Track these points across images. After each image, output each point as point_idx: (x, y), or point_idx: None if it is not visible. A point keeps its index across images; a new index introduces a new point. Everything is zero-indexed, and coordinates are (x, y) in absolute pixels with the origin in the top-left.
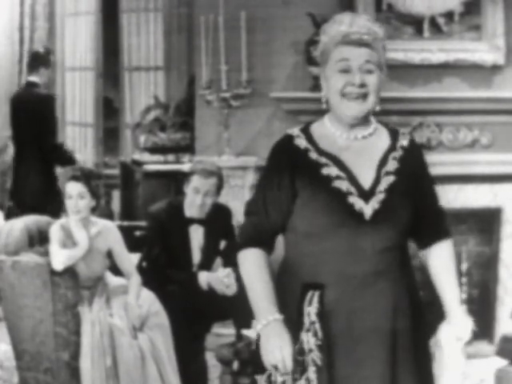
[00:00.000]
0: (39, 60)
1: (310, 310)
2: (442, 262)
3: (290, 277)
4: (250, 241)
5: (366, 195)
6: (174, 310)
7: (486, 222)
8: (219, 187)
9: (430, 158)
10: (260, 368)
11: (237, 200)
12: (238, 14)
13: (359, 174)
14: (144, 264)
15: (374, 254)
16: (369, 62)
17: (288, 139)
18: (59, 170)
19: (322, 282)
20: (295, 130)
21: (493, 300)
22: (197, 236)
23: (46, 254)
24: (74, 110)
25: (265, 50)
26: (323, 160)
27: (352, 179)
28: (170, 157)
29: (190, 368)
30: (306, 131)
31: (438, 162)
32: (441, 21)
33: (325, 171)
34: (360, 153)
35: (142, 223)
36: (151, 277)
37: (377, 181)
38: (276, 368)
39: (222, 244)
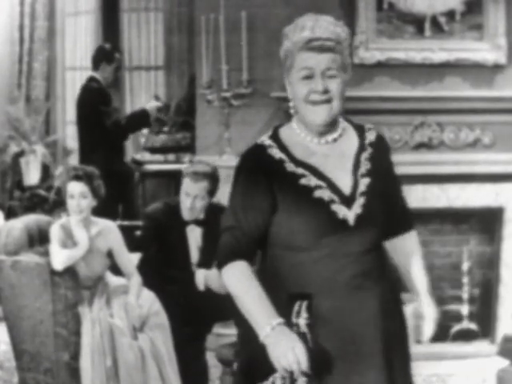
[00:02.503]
0: (102, 56)
1: (299, 322)
2: (408, 252)
3: (274, 290)
4: (232, 254)
5: (348, 201)
6: (173, 310)
7: (487, 221)
8: (211, 190)
9: (432, 157)
10: (260, 376)
11: None
12: (239, 14)
13: (337, 180)
14: (144, 264)
15: (359, 255)
16: (331, 69)
17: (260, 150)
18: (59, 170)
19: (309, 292)
20: (265, 139)
21: (494, 300)
22: (194, 236)
23: (46, 253)
24: (75, 109)
25: (265, 50)
26: (300, 170)
27: (332, 187)
28: (171, 156)
29: (191, 368)
30: (276, 139)
31: (440, 162)
32: (442, 20)
33: (303, 182)
34: (333, 157)
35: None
36: (150, 277)
37: (355, 185)
38: (291, 373)
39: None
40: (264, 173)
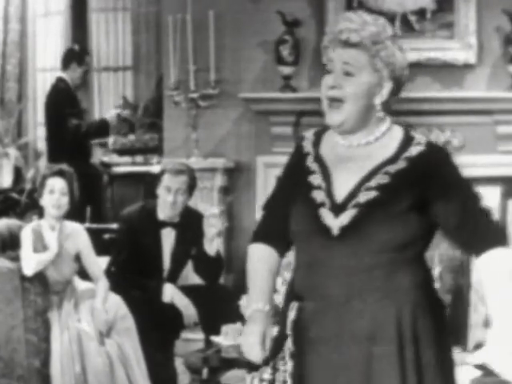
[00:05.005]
0: (72, 57)
1: (288, 321)
2: (484, 275)
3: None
4: (257, 236)
5: (337, 209)
6: (139, 316)
7: None
8: (191, 186)
9: None
10: (253, 366)
11: (205, 202)
12: (207, 14)
13: (338, 185)
14: (112, 268)
15: (345, 273)
16: (349, 65)
17: (298, 141)
18: (30, 172)
19: (303, 294)
20: (310, 132)
21: (466, 306)
22: (169, 240)
23: (17, 258)
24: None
25: (233, 50)
26: (314, 167)
27: (329, 190)
28: (139, 158)
29: (159, 375)
30: (318, 134)
31: None
32: (413, 18)
33: (310, 179)
34: (352, 161)
35: (111, 226)
36: (117, 281)
37: (352, 195)
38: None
39: (194, 250)
40: (293, 164)
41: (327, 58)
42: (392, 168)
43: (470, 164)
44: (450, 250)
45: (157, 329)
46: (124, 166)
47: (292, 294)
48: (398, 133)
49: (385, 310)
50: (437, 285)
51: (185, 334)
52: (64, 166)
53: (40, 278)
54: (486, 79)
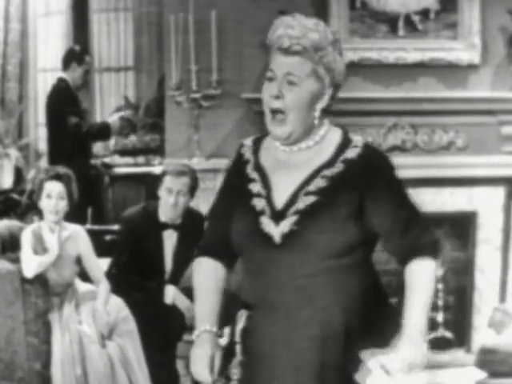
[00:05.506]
0: (73, 57)
1: (237, 329)
2: (410, 284)
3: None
4: (204, 250)
5: (277, 217)
6: (141, 318)
7: (461, 226)
8: (192, 187)
9: (405, 160)
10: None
11: (208, 203)
12: (209, 14)
13: (279, 192)
14: (113, 270)
15: (291, 281)
16: (291, 74)
17: (238, 148)
18: (31, 173)
19: (251, 302)
20: (248, 139)
21: (469, 307)
22: (171, 242)
23: (17, 260)
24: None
25: (235, 50)
26: (254, 175)
27: (269, 197)
28: (140, 159)
29: (161, 377)
30: (257, 141)
31: (413, 165)
32: (416, 19)
33: (250, 187)
34: (291, 167)
35: (112, 227)
36: (118, 283)
37: (292, 201)
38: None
39: (195, 252)
40: (233, 173)
41: (270, 65)
42: (330, 171)
43: (473, 164)
44: (453, 252)
45: (158, 331)
46: (125, 166)
47: (240, 302)
48: (336, 136)
49: (333, 316)
50: (439, 286)
51: (187, 336)
52: (61, 169)
53: (40, 279)
54: (490, 80)
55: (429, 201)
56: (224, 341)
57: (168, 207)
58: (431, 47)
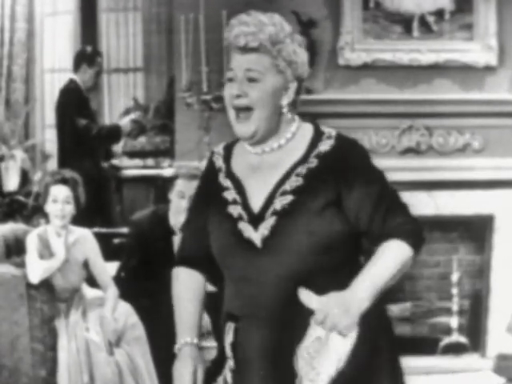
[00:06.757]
0: (84, 58)
1: (226, 345)
2: (375, 256)
3: (223, 305)
4: (181, 260)
5: (255, 220)
6: (150, 324)
7: (477, 229)
8: None
9: (420, 162)
10: None
11: None
12: (220, 13)
13: (252, 196)
14: (122, 274)
15: (276, 284)
16: (251, 71)
17: (209, 156)
18: (38, 175)
19: (236, 314)
20: (219, 147)
21: (485, 311)
22: None
23: (22, 264)
24: (53, 112)
25: None
26: (227, 182)
27: (245, 203)
28: (150, 161)
29: (170, 382)
30: (228, 148)
31: (428, 167)
32: (431, 19)
33: (225, 194)
34: (263, 169)
35: (121, 230)
36: (126, 287)
37: (268, 203)
38: None
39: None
40: (205, 182)
41: (229, 65)
42: (304, 168)
43: (490, 167)
44: (469, 255)
45: (168, 337)
46: (134, 168)
47: (224, 315)
48: (307, 131)
49: None
50: (455, 290)
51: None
52: (68, 173)
53: (46, 285)
54: (508, 81)
55: (444, 204)
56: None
57: (180, 211)
58: (446, 48)
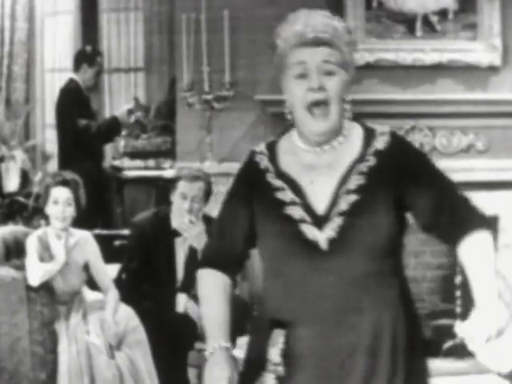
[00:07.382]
0: (84, 57)
1: (274, 351)
2: (467, 259)
3: (260, 309)
4: (208, 262)
5: (320, 222)
6: (151, 327)
7: None
8: (207, 192)
9: None
10: None
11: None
12: (221, 13)
13: (314, 196)
14: (123, 276)
15: (339, 287)
16: (328, 62)
17: (250, 157)
18: (38, 176)
19: (287, 320)
20: (260, 146)
21: None
22: (182, 249)
23: (22, 267)
24: (54, 112)
25: (249, 51)
26: (279, 183)
27: (306, 204)
28: (151, 162)
29: None
30: (271, 147)
31: None
32: (434, 19)
33: (279, 196)
34: (322, 169)
35: (122, 232)
36: (129, 291)
37: (333, 203)
38: None
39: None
40: (247, 182)
41: (296, 60)
42: (364, 166)
43: (494, 168)
44: None
45: (169, 340)
46: (135, 169)
47: (269, 321)
48: (357, 128)
49: (381, 320)
50: (458, 292)
51: (198, 345)
52: (68, 174)
53: (46, 288)
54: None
55: None
56: (240, 353)
57: (182, 213)
58: (450, 48)
